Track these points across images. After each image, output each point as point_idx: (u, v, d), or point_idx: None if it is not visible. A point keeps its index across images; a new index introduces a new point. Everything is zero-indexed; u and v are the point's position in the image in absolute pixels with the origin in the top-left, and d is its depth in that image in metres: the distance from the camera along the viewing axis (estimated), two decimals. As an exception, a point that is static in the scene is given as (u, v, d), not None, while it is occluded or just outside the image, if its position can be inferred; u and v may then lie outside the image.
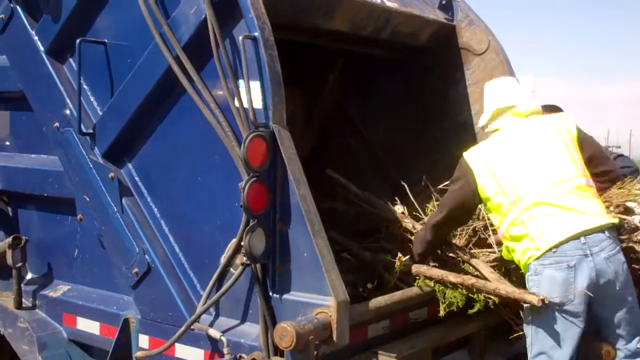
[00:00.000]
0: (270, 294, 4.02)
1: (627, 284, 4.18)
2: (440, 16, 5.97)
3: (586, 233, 4.05)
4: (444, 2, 6.01)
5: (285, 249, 3.97)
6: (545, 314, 4.07)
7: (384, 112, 6.50)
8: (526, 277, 4.20)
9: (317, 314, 3.78)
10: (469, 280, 4.41)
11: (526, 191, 4.18)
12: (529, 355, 4.23)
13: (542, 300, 4.00)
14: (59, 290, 5.30)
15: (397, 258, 4.57)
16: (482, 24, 5.94)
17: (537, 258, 4.09)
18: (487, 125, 4.67)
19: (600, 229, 4.10)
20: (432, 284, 4.57)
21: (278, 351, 3.88)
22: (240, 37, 3.95)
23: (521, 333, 4.37)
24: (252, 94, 3.96)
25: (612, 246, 4.12)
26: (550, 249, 4.04)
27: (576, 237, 4.04)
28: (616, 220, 4.25)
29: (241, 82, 4.02)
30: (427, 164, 6.05)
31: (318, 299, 3.82)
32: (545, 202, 4.13)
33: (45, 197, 5.30)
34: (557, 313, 4.05)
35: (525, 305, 4.17)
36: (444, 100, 6.12)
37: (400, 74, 6.37)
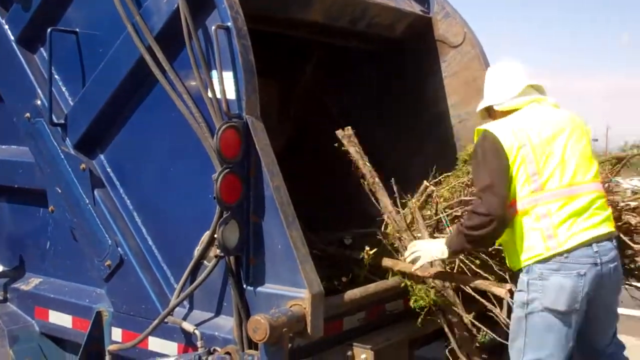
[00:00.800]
0: (244, 286, 3.98)
1: (618, 291, 4.18)
2: (416, 8, 5.95)
3: (598, 240, 3.93)
4: (420, -6, 5.99)
5: (259, 241, 3.93)
6: (544, 320, 3.93)
7: (362, 104, 6.47)
8: (524, 278, 3.99)
9: (291, 307, 3.76)
10: (432, 270, 4.41)
11: (551, 184, 3.94)
12: None
13: (510, 291, 3.99)
14: (30, 283, 5.24)
15: (365, 252, 4.52)
16: (458, 16, 5.92)
17: (544, 261, 3.90)
18: (505, 104, 4.24)
19: (609, 237, 4.01)
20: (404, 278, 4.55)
21: (252, 344, 3.85)
22: (213, 27, 3.90)
23: (502, 324, 4.35)
24: (225, 84, 3.91)
25: (617, 256, 4.05)
26: (560, 254, 3.87)
27: (589, 243, 3.90)
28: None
29: (214, 73, 3.98)
30: (405, 155, 6.06)
31: (292, 291, 3.79)
32: (566, 201, 3.93)
33: (16, 189, 5.24)
34: (558, 320, 3.91)
35: (515, 309, 4.04)
36: (421, 93, 6.10)
37: (377, 66, 6.35)
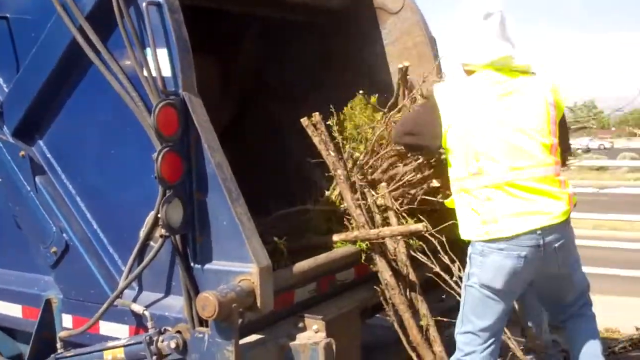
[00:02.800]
0: (192, 264, 3.96)
1: (570, 261, 4.14)
2: (353, -24, 5.92)
3: (543, 227, 3.89)
4: (356, -38, 5.96)
5: (204, 219, 3.91)
6: (481, 294, 3.99)
7: (304, 77, 6.44)
8: (468, 251, 4.05)
9: (239, 282, 3.74)
10: (351, 234, 4.48)
11: (491, 168, 3.89)
12: (457, 331, 4.17)
13: (426, 227, 4.14)
14: (-25, 274, 5.14)
15: (281, 243, 4.42)
16: (396, -18, 5.91)
17: (484, 241, 3.93)
18: (467, 64, 4.18)
19: (553, 227, 3.93)
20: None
21: (203, 322, 3.84)
22: (144, 4, 3.84)
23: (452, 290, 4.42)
24: (160, 61, 3.86)
25: (565, 234, 4.00)
26: (500, 239, 3.88)
27: (533, 231, 3.88)
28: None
29: (148, 51, 3.92)
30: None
31: (240, 266, 3.78)
32: (507, 186, 3.88)
33: None
34: (494, 295, 3.97)
35: (463, 284, 4.13)
36: (362, 61, 6.09)
37: (317, 37, 6.31)
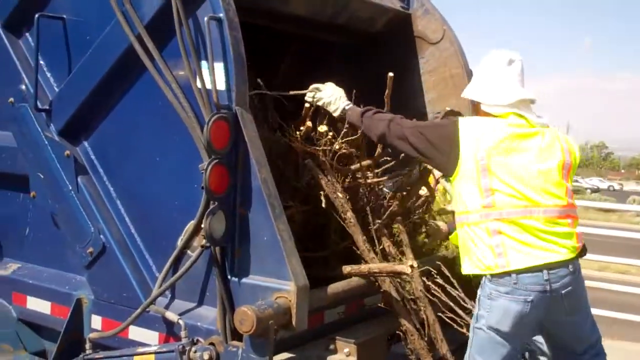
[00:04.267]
0: (229, 277, 4.00)
1: (580, 307, 4.13)
2: (397, 4, 5.99)
3: (550, 267, 3.87)
4: (400, -10, 6.03)
5: (245, 233, 3.96)
6: (489, 336, 3.97)
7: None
8: (478, 293, 4.05)
9: (276, 299, 3.78)
10: (346, 269, 4.45)
11: (505, 203, 3.89)
12: None
13: (411, 267, 4.11)
14: (8, 268, 5.21)
15: None
16: (437, 13, 5.98)
17: (493, 279, 3.91)
18: (491, 109, 4.14)
19: (565, 264, 3.93)
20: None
21: (236, 335, 3.88)
22: (206, 18, 3.90)
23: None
24: (216, 75, 3.93)
25: (573, 280, 3.98)
26: (508, 273, 3.85)
27: (539, 269, 3.86)
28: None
29: (204, 63, 3.99)
30: (382, 152, 6.09)
31: (278, 283, 3.82)
32: (520, 222, 3.88)
33: None
34: (502, 339, 3.95)
35: (471, 325, 4.11)
36: (398, 88, 6.13)
37: (355, 60, 6.37)
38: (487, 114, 4.15)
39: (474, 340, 4.08)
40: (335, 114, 4.58)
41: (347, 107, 4.60)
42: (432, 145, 4.09)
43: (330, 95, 4.62)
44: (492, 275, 3.90)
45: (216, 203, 3.91)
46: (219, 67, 3.94)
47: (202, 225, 3.91)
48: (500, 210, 3.89)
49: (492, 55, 4.25)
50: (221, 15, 3.93)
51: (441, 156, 4.06)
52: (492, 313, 3.94)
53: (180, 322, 4.09)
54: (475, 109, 4.29)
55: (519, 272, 3.85)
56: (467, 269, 4.07)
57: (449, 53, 5.91)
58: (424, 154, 4.15)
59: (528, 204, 3.89)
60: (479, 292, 4.05)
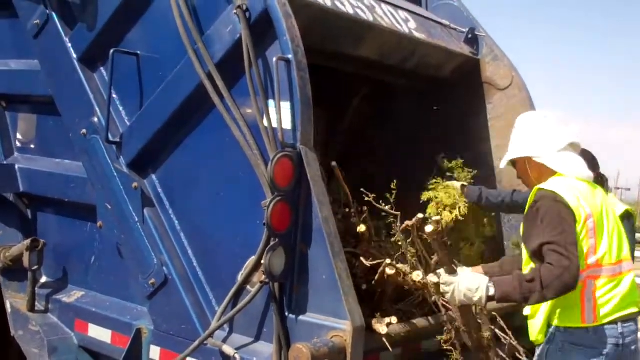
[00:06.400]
0: (286, 314, 4.03)
1: None
2: (466, 50, 6.03)
3: (623, 319, 3.83)
4: (470, 36, 6.07)
5: (305, 270, 3.99)
6: None
7: (404, 141, 6.52)
8: (545, 347, 3.91)
9: (332, 338, 3.79)
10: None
11: (605, 259, 3.83)
12: None
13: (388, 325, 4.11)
14: (72, 295, 5.32)
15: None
16: (506, 59, 6.00)
17: (570, 330, 3.80)
18: (544, 158, 4.04)
19: (633, 317, 3.91)
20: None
21: (292, 372, 3.89)
22: (275, 59, 3.98)
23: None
24: (282, 114, 4.00)
25: (637, 338, 3.94)
26: (588, 328, 3.77)
27: (615, 322, 3.80)
28: None
29: (271, 102, 4.07)
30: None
31: (334, 322, 3.83)
32: (612, 277, 3.84)
33: (66, 202, 5.34)
34: None
35: None
36: (464, 133, 6.15)
37: (422, 104, 6.40)
38: (536, 170, 4.11)
39: None
40: (481, 305, 4.11)
41: (491, 292, 3.80)
42: (562, 232, 3.73)
43: (468, 290, 3.84)
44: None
45: (277, 240, 3.95)
46: (286, 106, 4.01)
47: (262, 262, 3.95)
48: (600, 267, 3.86)
49: (524, 117, 4.33)
50: (290, 56, 4.00)
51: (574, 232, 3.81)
52: None
53: (237, 356, 4.11)
54: (521, 170, 4.24)
55: (600, 324, 3.79)
56: (563, 320, 3.89)
57: (517, 100, 5.91)
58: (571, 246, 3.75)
59: (618, 260, 3.92)
60: (544, 345, 3.92)
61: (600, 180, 5.39)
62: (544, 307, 3.89)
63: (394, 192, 4.59)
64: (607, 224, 3.92)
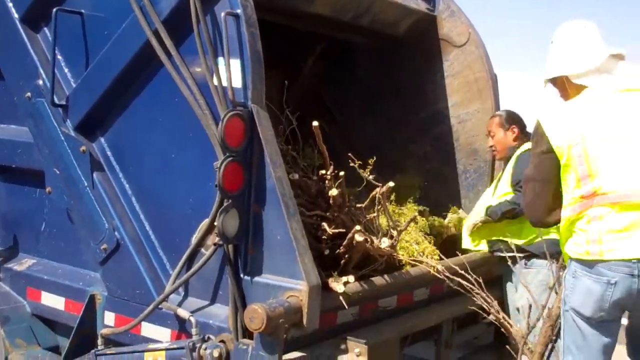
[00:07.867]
0: (241, 275, 3.98)
1: None
2: (422, 6, 5.96)
3: None
4: (426, -8, 5.99)
5: (259, 231, 3.93)
6: (575, 321, 3.76)
7: (360, 99, 6.48)
8: (565, 274, 3.86)
9: (288, 298, 3.76)
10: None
11: (606, 187, 3.61)
12: None
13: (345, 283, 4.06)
14: (24, 264, 5.22)
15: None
16: (463, 15, 5.95)
17: (580, 259, 3.69)
18: (581, 78, 3.86)
19: None
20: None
21: (247, 333, 3.86)
22: (222, 14, 3.88)
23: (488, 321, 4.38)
24: (232, 72, 3.90)
25: None
26: (599, 261, 3.61)
27: (630, 260, 3.58)
28: None
29: (221, 60, 3.96)
30: (402, 153, 6.07)
31: (290, 282, 3.79)
32: (620, 208, 3.58)
33: (14, 169, 5.21)
34: (587, 325, 3.73)
35: (561, 309, 3.92)
36: (421, 90, 6.11)
37: (378, 62, 6.37)
38: (573, 90, 3.90)
39: (565, 325, 3.88)
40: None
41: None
42: (540, 171, 3.92)
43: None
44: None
45: (230, 201, 3.89)
46: (236, 63, 3.91)
47: (216, 223, 3.89)
48: (600, 196, 3.67)
49: (562, 28, 4.02)
50: (239, 11, 3.91)
51: (553, 169, 3.85)
52: (575, 293, 3.75)
53: (192, 319, 4.07)
54: (561, 87, 4.02)
55: (609, 261, 3.63)
56: (565, 250, 3.88)
57: (474, 56, 5.88)
58: (543, 187, 3.91)
59: (630, 190, 3.64)
60: (565, 271, 3.89)
61: None
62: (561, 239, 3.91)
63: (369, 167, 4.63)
64: (618, 147, 3.65)
